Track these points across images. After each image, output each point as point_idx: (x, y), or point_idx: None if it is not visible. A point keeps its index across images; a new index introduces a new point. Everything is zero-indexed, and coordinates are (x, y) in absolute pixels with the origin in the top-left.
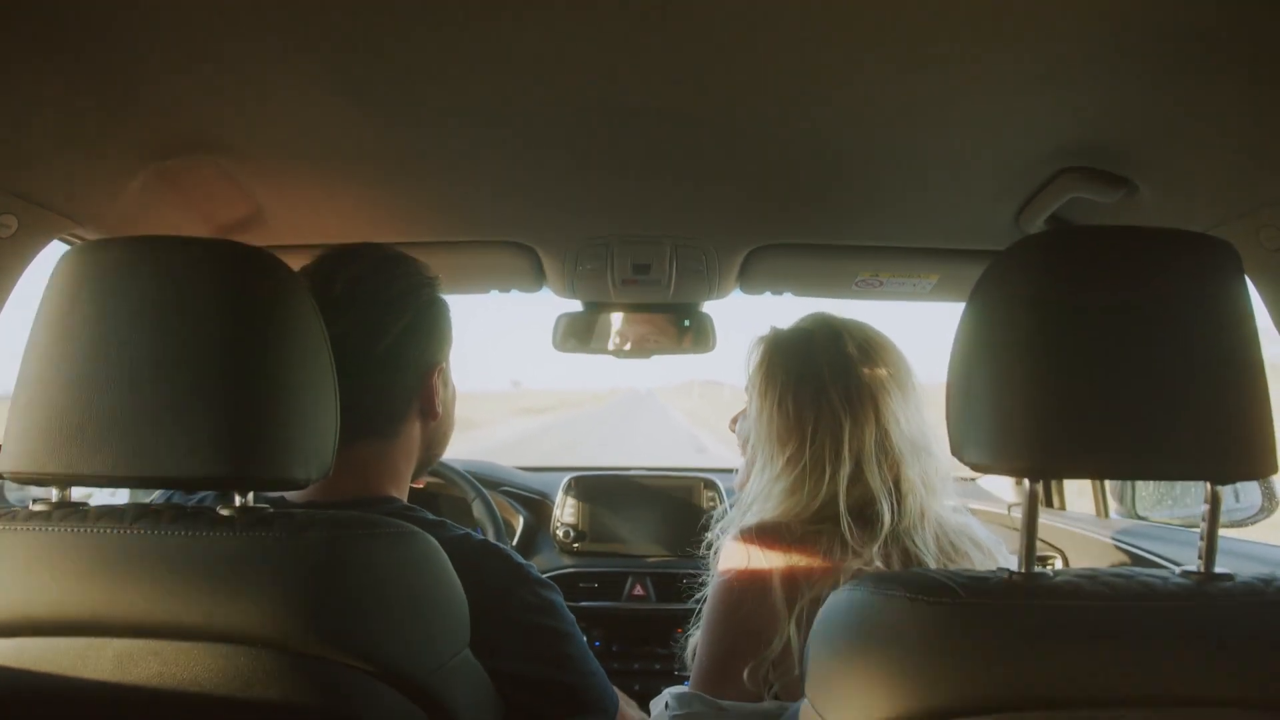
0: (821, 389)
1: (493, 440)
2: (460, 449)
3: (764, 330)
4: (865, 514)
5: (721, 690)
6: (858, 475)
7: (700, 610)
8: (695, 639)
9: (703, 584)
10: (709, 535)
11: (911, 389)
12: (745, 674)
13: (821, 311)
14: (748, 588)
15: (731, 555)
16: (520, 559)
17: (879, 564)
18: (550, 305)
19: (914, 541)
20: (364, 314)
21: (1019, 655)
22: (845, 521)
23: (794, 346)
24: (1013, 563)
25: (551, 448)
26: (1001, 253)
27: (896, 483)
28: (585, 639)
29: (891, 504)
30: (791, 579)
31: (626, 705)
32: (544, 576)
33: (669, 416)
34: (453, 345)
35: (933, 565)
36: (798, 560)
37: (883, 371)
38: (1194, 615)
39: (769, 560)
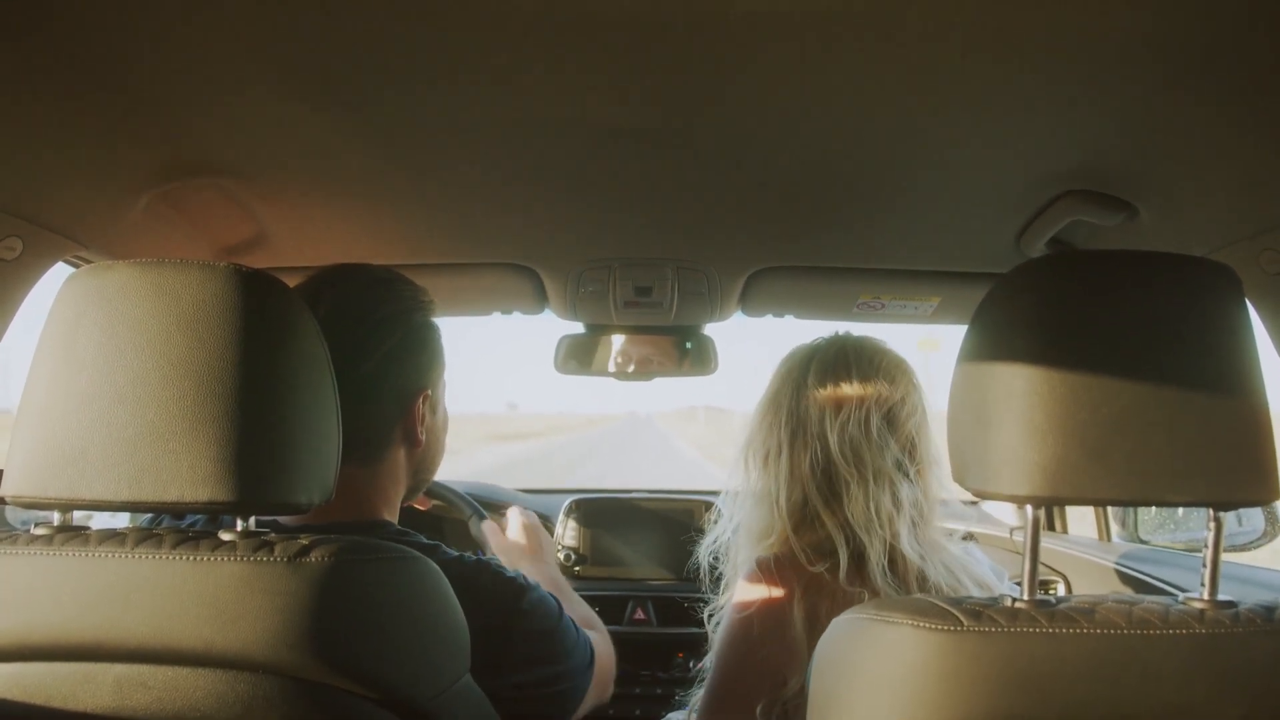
0: (777, 417)
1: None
2: None
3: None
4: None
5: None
6: (805, 508)
7: (713, 636)
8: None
9: (705, 603)
10: (703, 545)
11: (914, 405)
12: (759, 710)
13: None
14: (766, 626)
15: (748, 589)
16: (511, 572)
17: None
18: (552, 327)
19: (927, 574)
20: (348, 334)
21: (1023, 683)
22: (803, 554)
23: (782, 365)
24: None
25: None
26: (1003, 275)
27: (865, 516)
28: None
29: (847, 539)
30: (811, 615)
31: (602, 640)
32: (534, 581)
33: (672, 447)
34: (444, 370)
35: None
36: (815, 594)
37: (847, 388)
38: (1199, 644)
39: (786, 595)
